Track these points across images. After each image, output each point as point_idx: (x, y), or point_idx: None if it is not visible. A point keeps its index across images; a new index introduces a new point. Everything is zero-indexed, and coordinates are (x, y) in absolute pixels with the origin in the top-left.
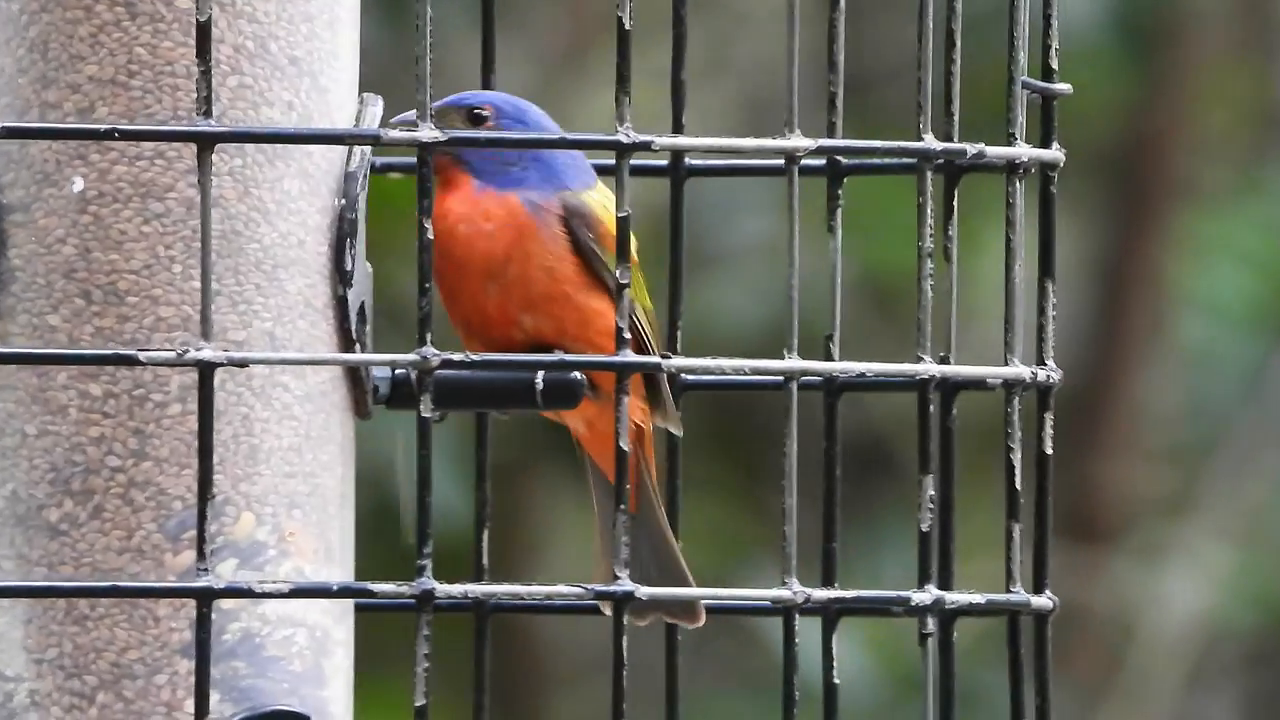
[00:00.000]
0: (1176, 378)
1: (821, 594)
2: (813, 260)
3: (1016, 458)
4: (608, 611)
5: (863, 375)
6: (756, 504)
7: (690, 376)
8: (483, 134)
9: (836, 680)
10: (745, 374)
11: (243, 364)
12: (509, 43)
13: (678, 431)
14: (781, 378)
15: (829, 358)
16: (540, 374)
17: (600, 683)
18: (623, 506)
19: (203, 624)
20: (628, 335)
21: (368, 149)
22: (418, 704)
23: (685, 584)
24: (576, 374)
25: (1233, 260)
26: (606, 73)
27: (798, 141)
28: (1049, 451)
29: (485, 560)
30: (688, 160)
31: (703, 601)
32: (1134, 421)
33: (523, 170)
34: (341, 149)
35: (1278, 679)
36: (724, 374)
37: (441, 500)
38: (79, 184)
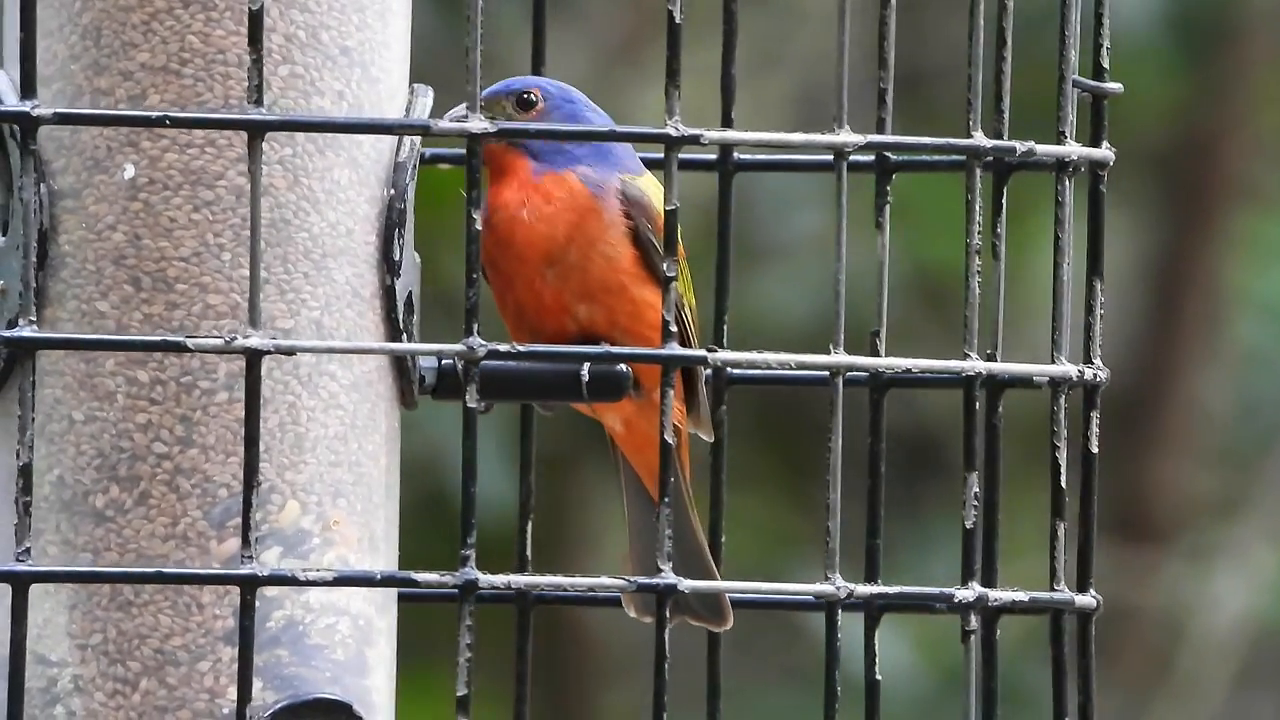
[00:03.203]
0: (1230, 379)
1: (864, 589)
2: (860, 255)
3: (1062, 456)
4: (631, 613)
5: (908, 371)
6: (802, 499)
7: (737, 371)
8: (532, 125)
9: (878, 676)
10: (791, 368)
11: (290, 352)
12: (563, 34)
13: (708, 437)
14: (827, 373)
15: (875, 354)
16: (586, 366)
17: (644, 675)
18: (666, 499)
19: (247, 611)
20: (674, 329)
21: (417, 139)
22: (459, 694)
23: (715, 591)
24: (622, 367)
25: None
26: (661, 66)
27: (846, 137)
28: (1095, 450)
29: (529, 552)
30: (737, 155)
31: (741, 597)
32: (1187, 422)
33: (579, 148)
34: (391, 139)
35: None
36: (769, 368)
37: (490, 491)
38: (130, 171)
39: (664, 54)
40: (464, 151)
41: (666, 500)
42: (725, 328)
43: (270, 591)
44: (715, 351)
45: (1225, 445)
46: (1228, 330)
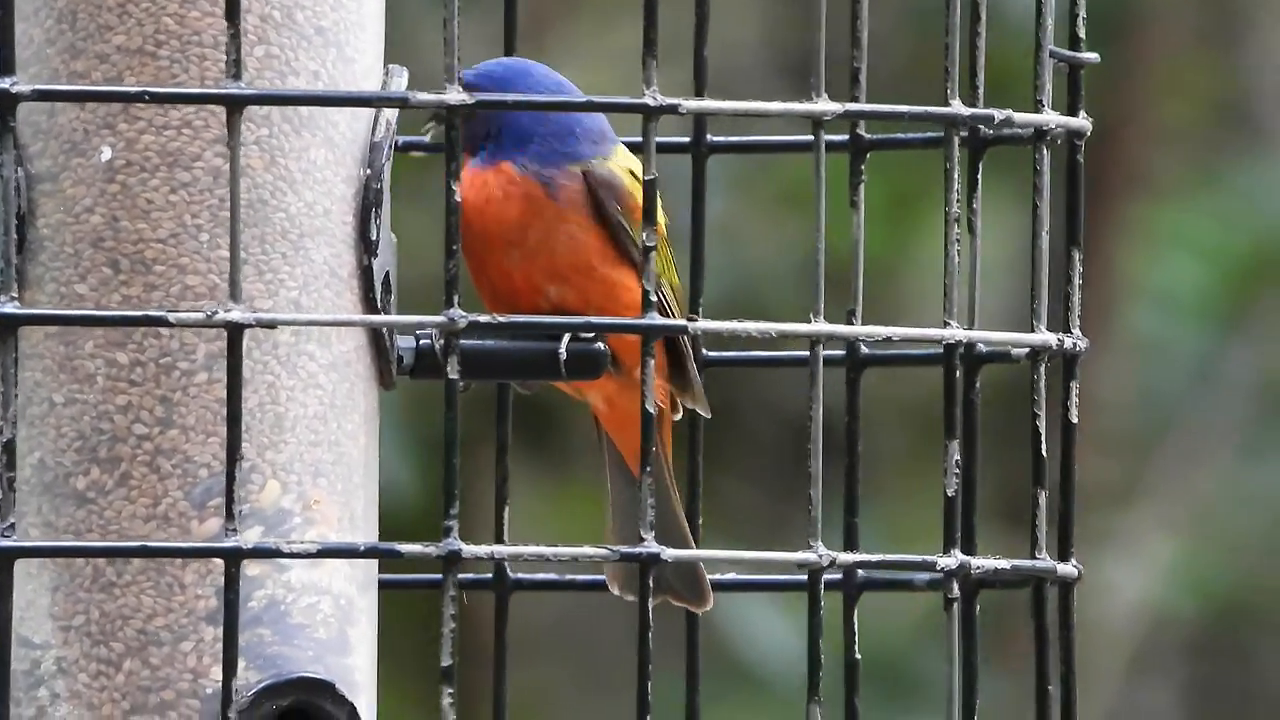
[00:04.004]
0: (1125, 367)
1: (847, 557)
2: (775, 243)
3: (1042, 424)
4: (615, 590)
5: (889, 339)
6: (710, 489)
7: (711, 354)
8: (510, 97)
9: (858, 655)
10: (771, 337)
11: (271, 325)
12: (466, 17)
13: (705, 413)
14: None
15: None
16: (564, 344)
17: (551, 655)
18: (648, 469)
19: (231, 585)
20: (654, 299)
21: (393, 120)
22: (444, 665)
23: (698, 573)
24: (600, 345)
25: (1185, 251)
26: (565, 51)
27: (824, 106)
28: (1074, 420)
29: (505, 536)
30: (710, 137)
31: (711, 582)
32: (1082, 409)
33: (530, 141)
34: (367, 119)
35: (1218, 668)
36: (750, 337)
37: (387, 477)
38: (107, 153)
39: (569, 37)
40: (434, 141)
41: (648, 470)
42: (700, 307)
43: (252, 571)
44: (695, 320)
45: (1119, 433)
46: (1124, 319)
